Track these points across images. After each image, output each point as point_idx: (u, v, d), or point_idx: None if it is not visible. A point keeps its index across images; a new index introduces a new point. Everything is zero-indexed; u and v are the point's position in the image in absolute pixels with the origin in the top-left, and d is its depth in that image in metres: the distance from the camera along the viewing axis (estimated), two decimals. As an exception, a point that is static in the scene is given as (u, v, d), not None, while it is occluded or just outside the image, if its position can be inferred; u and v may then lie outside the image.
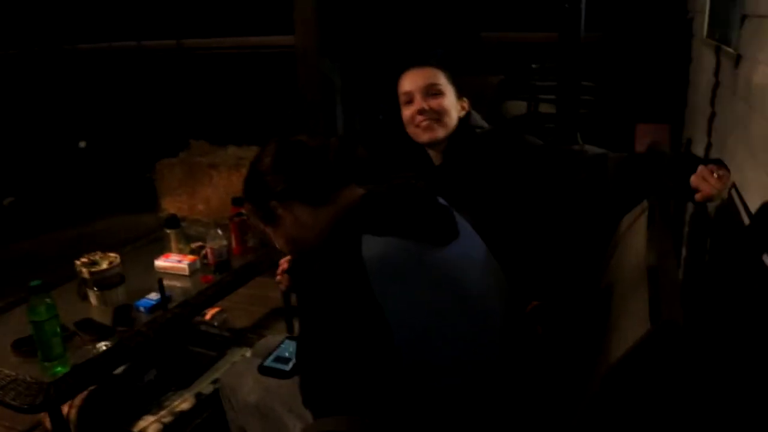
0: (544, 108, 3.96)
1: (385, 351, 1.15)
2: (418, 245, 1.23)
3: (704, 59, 3.17)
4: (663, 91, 3.67)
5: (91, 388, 2.04)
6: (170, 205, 4.58)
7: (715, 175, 1.47)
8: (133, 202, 4.66)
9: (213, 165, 4.46)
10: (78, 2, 5.14)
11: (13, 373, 1.72)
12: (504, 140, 1.84)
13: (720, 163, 1.55)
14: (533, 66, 4.27)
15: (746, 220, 1.93)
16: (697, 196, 1.46)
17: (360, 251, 1.17)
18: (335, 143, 1.37)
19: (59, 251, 3.79)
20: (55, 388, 1.66)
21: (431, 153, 1.93)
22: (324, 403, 1.27)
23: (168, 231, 2.41)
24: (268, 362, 1.62)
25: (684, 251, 2.78)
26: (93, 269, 2.07)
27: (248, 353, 2.51)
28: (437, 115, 1.83)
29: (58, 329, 1.72)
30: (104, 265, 2.10)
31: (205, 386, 2.33)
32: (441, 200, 1.38)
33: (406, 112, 1.87)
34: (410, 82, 1.86)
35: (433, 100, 1.83)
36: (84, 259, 2.12)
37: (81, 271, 2.09)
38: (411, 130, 1.89)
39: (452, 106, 1.86)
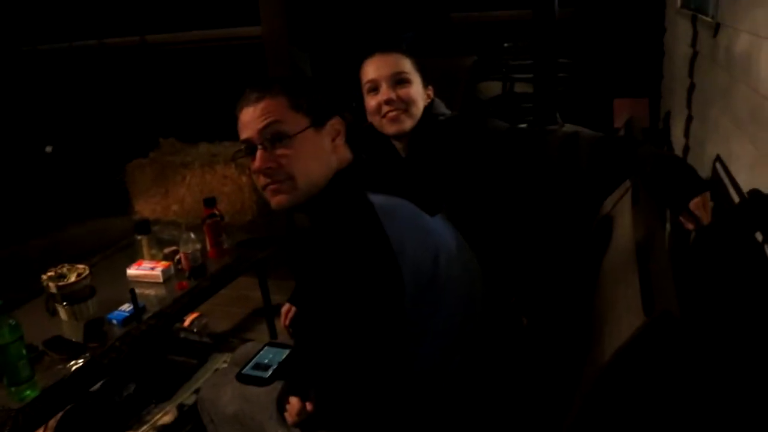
0: (520, 87, 3.90)
1: (394, 309, 1.15)
2: (414, 206, 1.27)
3: (679, 29, 3.13)
4: (639, 65, 3.64)
5: (67, 407, 1.96)
6: (143, 207, 4.47)
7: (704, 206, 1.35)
8: (105, 206, 4.53)
9: (185, 163, 4.35)
10: (35, 2, 4.97)
11: (-21, 400, 1.63)
12: (468, 126, 1.75)
13: (704, 187, 1.40)
14: (505, 45, 4.21)
15: (734, 195, 1.89)
16: (690, 227, 1.34)
17: (369, 200, 1.20)
18: None
19: (29, 262, 3.66)
20: (23, 414, 1.57)
21: (396, 144, 1.83)
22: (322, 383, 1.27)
23: (139, 237, 2.31)
24: (247, 370, 1.54)
25: (668, 227, 2.75)
26: (60, 283, 1.97)
27: (230, 359, 2.43)
28: (405, 105, 1.71)
29: (24, 351, 1.62)
30: (72, 278, 2.00)
31: (187, 397, 2.26)
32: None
33: (371, 102, 1.74)
34: (375, 69, 1.73)
35: (400, 89, 1.71)
36: (50, 273, 2.02)
37: (48, 286, 1.99)
38: (376, 120, 1.76)
39: (419, 95, 1.74)
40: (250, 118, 1.27)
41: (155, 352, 2.35)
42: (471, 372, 1.26)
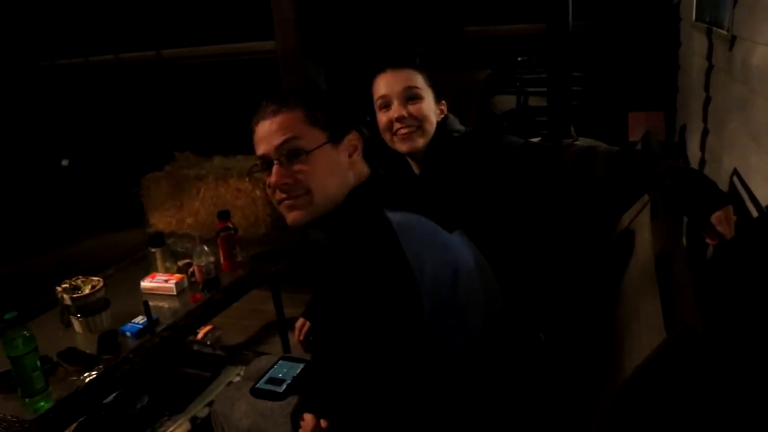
0: (534, 101, 3.89)
1: (412, 328, 1.13)
2: (432, 222, 1.25)
3: (695, 43, 3.11)
4: (654, 78, 3.61)
5: (80, 419, 1.95)
6: (158, 220, 4.49)
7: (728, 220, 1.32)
8: (120, 219, 4.56)
9: (200, 177, 4.36)
10: (53, 18, 5.03)
11: (-7, 412, 1.63)
12: (483, 143, 1.71)
13: (727, 201, 1.37)
14: (519, 59, 4.21)
15: (752, 209, 1.86)
16: (711, 242, 1.31)
17: (387, 217, 1.18)
18: None
19: (44, 274, 3.66)
20: (37, 426, 1.57)
21: (410, 161, 1.81)
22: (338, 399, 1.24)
23: (153, 250, 2.32)
24: (261, 384, 1.53)
25: (684, 241, 2.72)
26: (75, 295, 1.98)
27: (243, 372, 2.43)
28: (417, 122, 1.69)
29: (38, 363, 1.63)
30: (87, 290, 2.01)
31: (200, 409, 2.25)
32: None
33: (383, 118, 1.71)
34: (387, 84, 1.71)
35: (412, 105, 1.68)
36: (65, 285, 2.03)
37: (62, 298, 2.00)
38: (388, 137, 1.74)
39: (431, 110, 1.72)
40: (267, 133, 1.25)
41: (168, 364, 2.35)
42: (490, 390, 1.23)
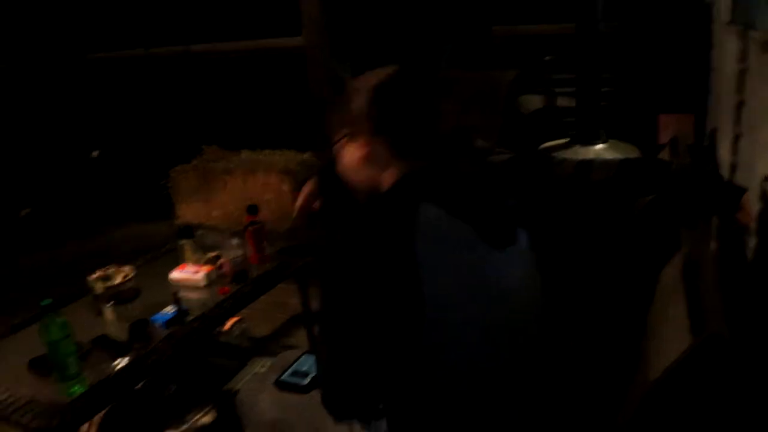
0: (563, 101, 3.87)
1: (411, 310, 1.09)
2: (474, 235, 1.17)
3: (727, 45, 3.07)
4: (685, 80, 3.57)
5: (111, 405, 2.00)
6: (186, 213, 4.55)
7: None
8: (148, 211, 4.63)
9: (227, 170, 4.41)
10: (85, 12, 5.12)
11: (29, 394, 1.68)
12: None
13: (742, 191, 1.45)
14: (547, 58, 4.19)
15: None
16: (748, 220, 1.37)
17: (417, 211, 1.14)
18: None
19: (74, 263, 3.77)
20: (72, 408, 1.62)
21: None
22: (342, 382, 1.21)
23: (182, 242, 2.36)
24: (285, 377, 1.58)
25: (714, 245, 2.69)
26: (107, 284, 2.03)
27: (270, 363, 2.46)
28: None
29: (73, 348, 1.67)
30: (118, 280, 2.06)
31: (227, 398, 2.28)
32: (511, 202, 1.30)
33: None
34: None
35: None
36: (98, 274, 2.08)
37: (95, 287, 2.04)
38: None
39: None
40: None
41: (197, 354, 2.39)
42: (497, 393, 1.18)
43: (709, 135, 3.36)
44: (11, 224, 4.51)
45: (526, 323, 1.22)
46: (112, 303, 2.03)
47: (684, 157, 2.86)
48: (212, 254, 2.41)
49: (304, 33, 4.63)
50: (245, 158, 4.61)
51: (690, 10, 3.67)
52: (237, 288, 2.23)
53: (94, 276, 2.07)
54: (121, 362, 1.78)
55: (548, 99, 4.01)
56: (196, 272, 2.27)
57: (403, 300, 1.09)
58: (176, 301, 2.00)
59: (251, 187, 4.36)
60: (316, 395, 1.44)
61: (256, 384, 1.71)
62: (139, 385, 2.14)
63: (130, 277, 2.07)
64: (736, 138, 2.73)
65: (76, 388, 1.68)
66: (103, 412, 2.00)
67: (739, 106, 2.71)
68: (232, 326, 2.67)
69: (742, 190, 1.41)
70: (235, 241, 2.26)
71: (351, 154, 1.27)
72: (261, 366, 2.46)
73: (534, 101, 4.11)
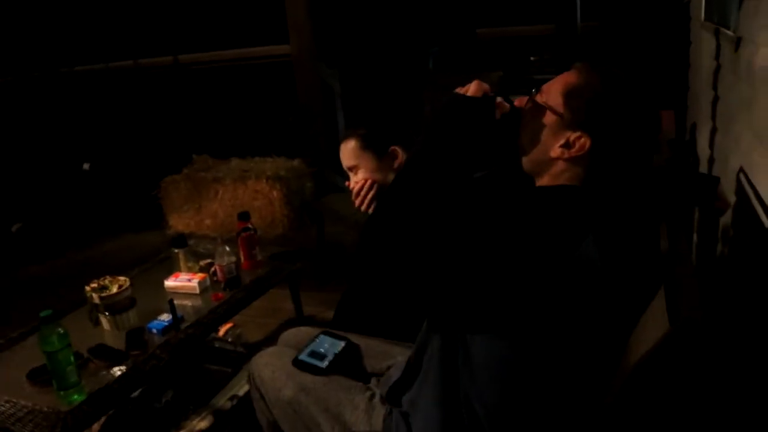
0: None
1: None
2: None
3: (704, 42, 3.15)
4: (664, 77, 3.65)
5: (110, 412, 2.04)
6: (177, 222, 4.58)
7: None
8: (140, 222, 4.66)
9: (217, 179, 4.45)
10: (73, 24, 5.14)
11: (30, 404, 1.72)
12: None
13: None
14: (531, 59, 4.26)
15: (757, 206, 1.91)
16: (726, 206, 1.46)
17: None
18: None
19: (68, 275, 3.80)
20: (72, 417, 1.66)
21: None
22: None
23: (176, 250, 2.41)
24: (304, 356, 1.58)
25: (695, 237, 2.76)
26: (103, 294, 2.07)
27: (279, 340, 2.50)
28: (365, 189, 1.82)
29: (72, 358, 1.71)
30: (114, 289, 2.10)
31: (223, 403, 2.33)
32: None
33: None
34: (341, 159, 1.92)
35: (354, 176, 1.87)
36: (93, 284, 2.12)
37: (91, 297, 2.09)
38: None
39: (375, 170, 1.84)
40: None
41: (191, 360, 2.43)
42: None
43: (690, 129, 3.44)
44: (3, 239, 4.53)
45: None
46: (108, 312, 2.07)
47: (666, 152, 2.93)
48: (205, 262, 2.46)
49: (291, 40, 4.68)
50: (235, 166, 4.65)
51: (668, 9, 3.75)
52: (230, 294, 2.28)
53: (91, 286, 2.11)
54: (120, 370, 1.82)
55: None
56: (190, 280, 2.32)
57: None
58: (171, 308, 2.04)
59: (242, 194, 4.41)
60: (333, 378, 1.51)
61: (268, 358, 1.68)
62: (136, 393, 2.18)
63: (125, 286, 2.11)
64: (713, 132, 2.81)
65: (75, 396, 1.72)
66: (103, 419, 2.04)
67: (715, 101, 2.78)
68: (226, 332, 2.71)
69: (716, 180, 1.48)
70: (227, 248, 2.31)
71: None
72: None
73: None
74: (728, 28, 2.47)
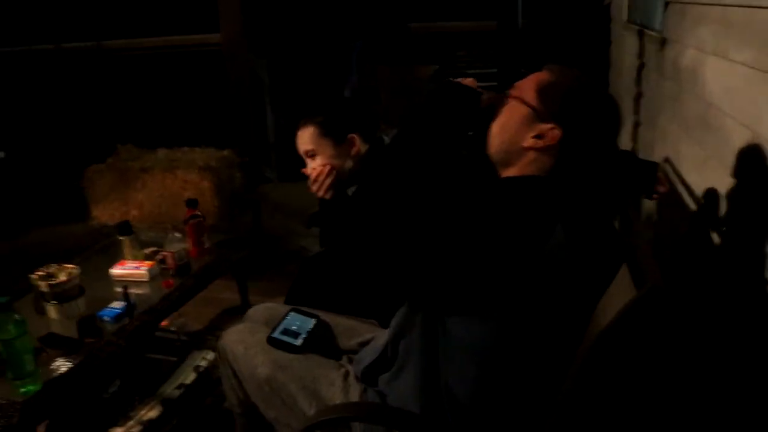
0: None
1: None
2: None
3: (626, 42, 3.37)
4: (586, 74, 3.86)
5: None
6: (102, 213, 4.43)
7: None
8: (62, 213, 4.47)
9: (145, 169, 4.33)
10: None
11: (-19, 395, 1.66)
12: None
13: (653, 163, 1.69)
14: (459, 54, 4.40)
15: (683, 191, 2.10)
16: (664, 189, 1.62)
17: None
18: None
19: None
20: (31, 406, 1.61)
21: None
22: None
23: (121, 238, 2.36)
24: (277, 334, 1.60)
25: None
26: (52, 282, 2.01)
27: (210, 356, 2.49)
28: (323, 175, 1.84)
29: (30, 345, 1.67)
30: (63, 277, 2.03)
31: (170, 392, 2.30)
32: None
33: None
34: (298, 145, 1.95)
35: (312, 162, 1.91)
36: (40, 272, 2.05)
37: (38, 285, 2.02)
38: None
39: (333, 156, 1.89)
40: None
41: (137, 350, 2.39)
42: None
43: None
44: None
45: None
46: (56, 301, 2.01)
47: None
48: (150, 250, 2.42)
49: (222, 29, 4.62)
50: (162, 156, 4.54)
51: (589, 10, 3.97)
52: (180, 281, 2.26)
53: (37, 275, 2.04)
54: (77, 358, 1.78)
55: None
56: (138, 267, 2.28)
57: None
58: (125, 295, 2.01)
59: (170, 184, 4.31)
60: (308, 356, 1.55)
61: (239, 334, 1.69)
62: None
63: (75, 274, 2.06)
64: (636, 126, 3.02)
65: (30, 387, 1.67)
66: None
67: (638, 97, 2.99)
68: (170, 321, 2.68)
69: (655, 164, 1.63)
70: (178, 235, 2.28)
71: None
72: (202, 359, 2.49)
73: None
74: (653, 30, 2.67)
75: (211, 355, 2.50)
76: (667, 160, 2.34)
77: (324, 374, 1.52)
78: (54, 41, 4.87)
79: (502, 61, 2.71)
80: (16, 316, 1.63)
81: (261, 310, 1.87)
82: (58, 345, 1.86)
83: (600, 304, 1.27)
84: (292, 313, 1.71)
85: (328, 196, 1.82)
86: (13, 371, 1.65)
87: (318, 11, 5.24)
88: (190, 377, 2.38)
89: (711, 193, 1.78)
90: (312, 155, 1.91)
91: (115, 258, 2.40)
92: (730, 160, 1.69)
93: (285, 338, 1.59)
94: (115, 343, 1.88)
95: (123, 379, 2.28)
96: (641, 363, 1.11)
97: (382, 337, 1.51)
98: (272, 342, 1.59)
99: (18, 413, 1.59)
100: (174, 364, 2.45)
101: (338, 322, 1.78)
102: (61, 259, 2.49)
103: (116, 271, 2.29)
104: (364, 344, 1.65)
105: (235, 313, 3.04)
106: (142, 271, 2.26)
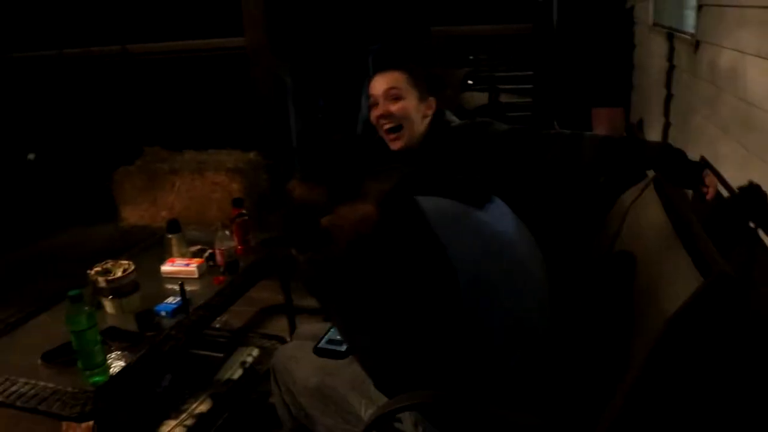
0: (505, 98, 4.14)
1: (451, 301, 1.23)
2: (461, 204, 1.37)
3: (653, 44, 3.41)
4: (612, 78, 3.91)
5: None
6: (131, 215, 4.50)
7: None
8: (91, 214, 4.54)
9: (174, 171, 4.41)
10: (19, 10, 4.93)
11: (51, 384, 1.71)
12: (473, 132, 1.90)
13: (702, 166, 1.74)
14: (481, 57, 4.46)
15: (722, 190, 2.14)
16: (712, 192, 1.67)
17: (420, 209, 1.30)
18: None
19: (25, 269, 3.67)
20: (101, 395, 1.67)
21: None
22: (396, 379, 1.36)
23: (170, 236, 2.42)
24: (323, 344, 1.68)
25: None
26: (109, 277, 2.07)
27: (255, 352, 2.55)
28: (397, 121, 1.87)
29: (99, 337, 1.72)
30: (119, 273, 2.10)
31: (219, 387, 2.36)
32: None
33: (372, 116, 1.93)
34: (374, 86, 1.91)
35: (392, 104, 1.88)
36: (97, 269, 2.12)
37: (96, 280, 2.08)
38: (381, 134, 1.95)
39: (413, 108, 1.89)
40: None
41: (193, 344, 2.44)
42: (529, 370, 1.34)
43: (637, 125, 3.72)
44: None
45: (534, 268, 1.43)
46: (113, 296, 2.07)
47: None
48: (196, 247, 2.48)
49: (246, 33, 4.69)
50: (190, 158, 4.62)
51: (612, 14, 4.01)
52: (231, 278, 2.31)
53: (95, 270, 2.11)
54: (141, 351, 1.84)
55: (492, 95, 4.27)
56: (188, 264, 2.34)
57: (443, 279, 1.24)
58: (182, 291, 2.07)
59: (199, 186, 4.38)
60: (353, 360, 1.58)
61: (291, 351, 1.78)
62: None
63: (130, 270, 2.12)
64: (666, 127, 3.06)
65: (99, 377, 1.72)
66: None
67: (668, 99, 3.04)
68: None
69: (702, 166, 1.68)
70: (227, 233, 2.34)
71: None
72: (247, 355, 2.55)
73: (477, 98, 4.36)
74: (684, 32, 2.71)
75: (255, 352, 2.57)
76: (702, 159, 2.39)
77: None
78: (82, 45, 4.93)
79: (538, 63, 2.76)
80: (87, 308, 1.69)
81: (307, 328, 1.94)
82: (121, 338, 1.91)
83: (653, 290, 1.30)
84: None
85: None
86: (84, 362, 1.71)
87: (338, 15, 5.29)
88: (237, 373, 2.44)
89: (753, 188, 1.83)
90: (395, 97, 1.87)
91: (161, 256, 2.46)
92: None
93: (330, 347, 1.67)
94: (174, 336, 1.93)
95: (174, 373, 2.34)
96: (715, 349, 1.16)
97: None
98: (318, 352, 1.66)
99: (90, 401, 1.65)
100: (221, 360, 2.51)
101: None
102: (83, 260, 2.54)
103: (167, 268, 2.35)
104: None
105: (275, 312, 3.10)
106: (192, 268, 2.32)
